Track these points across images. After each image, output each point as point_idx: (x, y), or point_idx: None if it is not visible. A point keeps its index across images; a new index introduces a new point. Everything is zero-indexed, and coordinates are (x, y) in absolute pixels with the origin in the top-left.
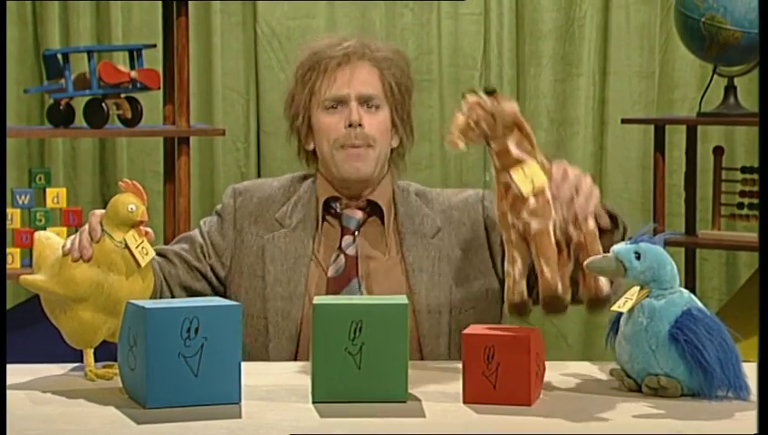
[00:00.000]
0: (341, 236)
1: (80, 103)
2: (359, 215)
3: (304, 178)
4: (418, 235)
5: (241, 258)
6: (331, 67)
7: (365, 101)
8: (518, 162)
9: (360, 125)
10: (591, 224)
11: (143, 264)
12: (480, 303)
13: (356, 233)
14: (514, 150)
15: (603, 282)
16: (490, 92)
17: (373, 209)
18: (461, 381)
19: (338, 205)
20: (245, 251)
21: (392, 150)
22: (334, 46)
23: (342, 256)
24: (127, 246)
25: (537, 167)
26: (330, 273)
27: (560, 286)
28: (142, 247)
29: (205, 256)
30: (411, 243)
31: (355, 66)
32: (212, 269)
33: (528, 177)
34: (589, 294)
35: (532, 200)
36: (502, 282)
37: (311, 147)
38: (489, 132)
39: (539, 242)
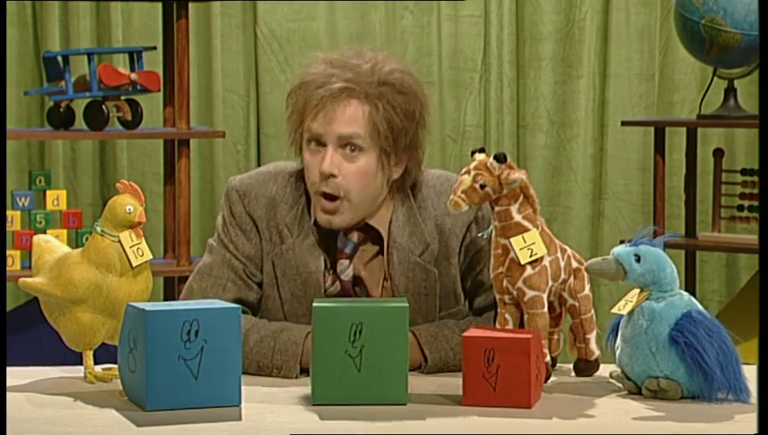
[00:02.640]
0: (337, 259)
1: (80, 105)
2: (355, 238)
3: (301, 175)
4: (406, 251)
5: (264, 262)
6: (321, 104)
7: (345, 144)
8: (519, 228)
9: (332, 175)
10: (587, 289)
11: (135, 264)
12: (463, 313)
13: (352, 257)
14: (517, 217)
15: (594, 346)
16: (501, 160)
17: (370, 232)
18: (461, 384)
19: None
20: (265, 256)
21: (394, 181)
22: (324, 82)
23: (338, 283)
24: (121, 245)
25: (538, 236)
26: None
27: (548, 357)
28: (138, 248)
29: (250, 277)
30: (397, 262)
31: (341, 104)
32: (257, 284)
33: (527, 245)
34: (579, 355)
35: (529, 269)
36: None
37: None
38: (494, 197)
39: (531, 312)
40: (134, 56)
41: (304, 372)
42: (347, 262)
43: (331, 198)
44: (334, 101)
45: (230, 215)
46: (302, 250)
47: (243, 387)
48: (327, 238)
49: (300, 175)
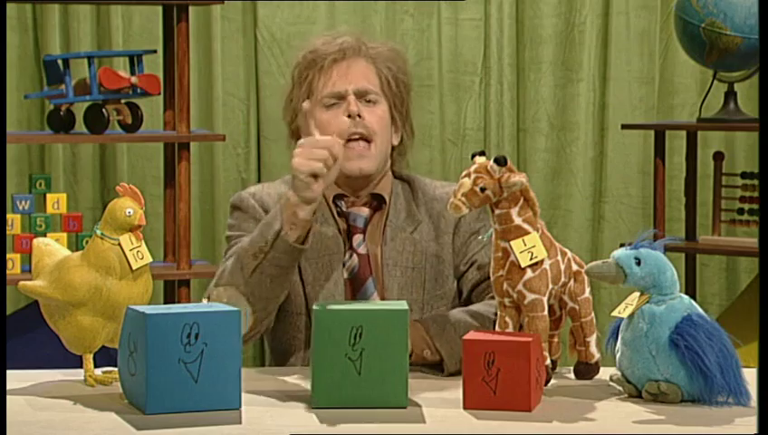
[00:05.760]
0: (351, 235)
1: (80, 109)
2: (365, 212)
3: None
4: (399, 229)
5: None
6: (327, 64)
7: (362, 96)
8: (519, 231)
9: (359, 116)
10: (587, 292)
11: (135, 267)
12: (453, 301)
13: (365, 231)
14: (517, 220)
15: (594, 349)
16: (501, 163)
17: (379, 204)
18: (461, 387)
19: (343, 203)
20: None
21: (393, 148)
22: (329, 43)
23: (355, 256)
24: (121, 248)
25: (538, 238)
26: (345, 274)
27: (548, 360)
28: (138, 251)
29: None
30: (390, 237)
31: (351, 61)
32: None
33: (528, 248)
34: (579, 358)
35: (529, 272)
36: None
37: None
38: (494, 200)
39: (531, 315)
40: (134, 60)
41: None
42: (361, 236)
43: (361, 139)
44: (345, 59)
45: (240, 212)
46: (321, 235)
47: (243, 390)
48: (339, 222)
49: None
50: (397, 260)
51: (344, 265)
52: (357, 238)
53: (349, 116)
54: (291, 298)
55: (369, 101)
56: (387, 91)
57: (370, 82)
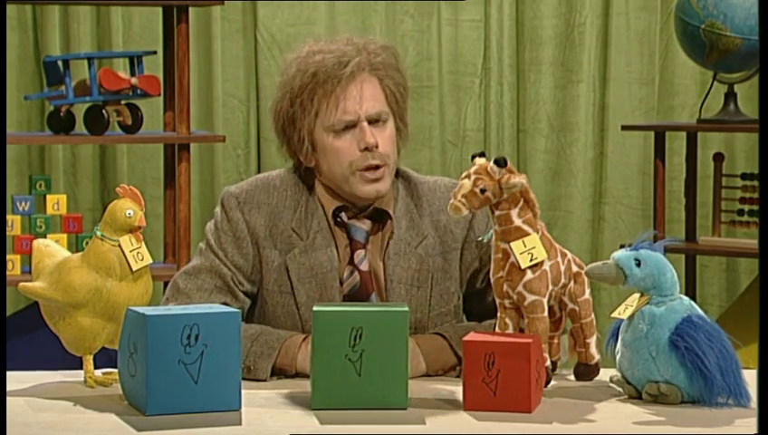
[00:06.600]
0: (352, 250)
1: (80, 110)
2: (366, 225)
3: (299, 177)
4: (403, 241)
5: (264, 274)
6: (341, 87)
7: (374, 121)
8: (519, 232)
9: (376, 147)
10: (587, 294)
11: (135, 268)
12: (459, 316)
13: (366, 245)
14: (517, 221)
15: (594, 350)
16: (501, 165)
17: (381, 217)
18: (461, 388)
19: (344, 215)
20: (267, 266)
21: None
22: (336, 65)
23: (356, 273)
24: (121, 249)
25: (538, 240)
26: (345, 290)
27: (549, 362)
28: (138, 253)
29: (237, 285)
30: (394, 251)
31: (360, 83)
32: (245, 293)
33: (528, 250)
34: (579, 359)
35: (529, 274)
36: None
37: (311, 164)
38: (494, 201)
39: (531, 317)
40: (134, 60)
41: (274, 375)
42: (362, 252)
43: (376, 166)
44: (354, 81)
45: (225, 220)
46: (314, 251)
47: (243, 391)
48: (337, 233)
49: (296, 178)
50: (401, 277)
51: (342, 283)
52: (359, 254)
53: (366, 148)
54: (281, 318)
55: (379, 123)
56: (393, 105)
57: (379, 102)
